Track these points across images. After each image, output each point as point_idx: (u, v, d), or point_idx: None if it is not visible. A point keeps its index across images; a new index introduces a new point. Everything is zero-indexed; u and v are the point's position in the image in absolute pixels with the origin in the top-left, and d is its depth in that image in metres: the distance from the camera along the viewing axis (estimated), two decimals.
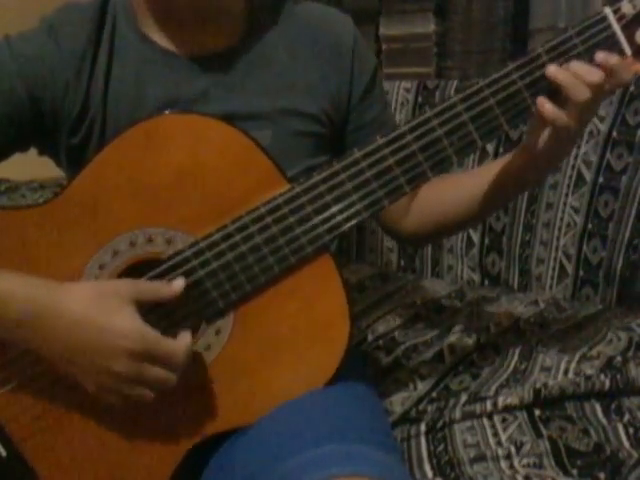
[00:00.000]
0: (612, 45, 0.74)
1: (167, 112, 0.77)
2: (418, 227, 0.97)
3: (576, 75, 0.73)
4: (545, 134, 0.78)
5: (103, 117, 0.84)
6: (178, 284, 0.75)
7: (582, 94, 0.73)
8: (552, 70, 0.74)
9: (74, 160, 0.85)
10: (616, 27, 0.73)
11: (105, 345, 0.71)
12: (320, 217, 0.76)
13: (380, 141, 0.76)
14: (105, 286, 0.75)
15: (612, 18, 0.73)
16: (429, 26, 1.93)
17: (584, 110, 0.75)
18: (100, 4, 0.85)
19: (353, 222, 0.76)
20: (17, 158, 0.87)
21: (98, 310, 0.72)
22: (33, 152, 0.89)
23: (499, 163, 0.88)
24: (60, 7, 0.86)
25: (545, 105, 0.74)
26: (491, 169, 0.89)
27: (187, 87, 0.84)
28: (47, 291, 0.73)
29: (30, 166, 1.06)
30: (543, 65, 0.74)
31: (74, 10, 0.85)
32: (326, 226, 0.76)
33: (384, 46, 2.02)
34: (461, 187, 0.92)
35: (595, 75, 0.73)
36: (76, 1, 0.86)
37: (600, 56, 0.73)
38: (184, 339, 0.74)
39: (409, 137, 0.75)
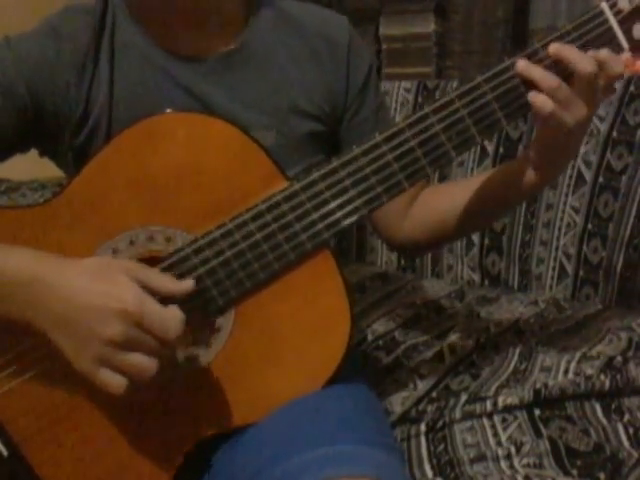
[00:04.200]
0: (609, 40, 0.74)
1: (167, 111, 0.77)
2: (416, 233, 0.96)
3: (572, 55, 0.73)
4: (547, 134, 0.78)
5: (108, 117, 0.83)
6: (188, 284, 0.74)
7: (587, 66, 0.72)
8: (554, 47, 0.73)
9: (80, 160, 0.85)
10: (613, 22, 0.73)
11: (98, 308, 0.68)
12: (319, 214, 0.76)
13: (378, 137, 0.75)
14: (112, 261, 0.74)
15: (609, 13, 0.73)
16: (429, 26, 1.94)
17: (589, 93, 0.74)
18: (101, 5, 0.85)
19: (352, 219, 0.76)
20: (17, 158, 0.87)
21: (96, 277, 0.70)
22: (33, 152, 0.89)
23: (502, 168, 0.88)
24: (62, 9, 0.86)
25: (538, 95, 0.73)
26: (493, 175, 0.88)
27: (189, 88, 0.84)
28: (52, 263, 0.72)
29: (30, 166, 1.06)
30: (541, 60, 0.74)
31: (76, 12, 0.85)
32: (325, 222, 0.76)
33: (384, 46, 2.03)
34: (462, 192, 0.91)
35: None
36: (77, 2, 0.86)
37: (589, 53, 0.73)
38: (176, 310, 0.70)
39: (407, 133, 0.75)
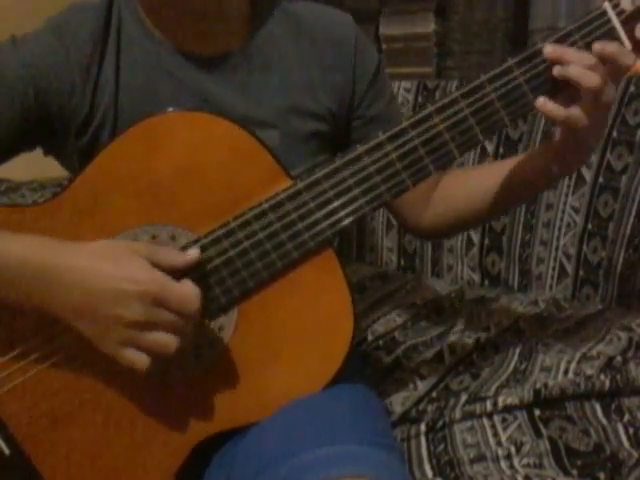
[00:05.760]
0: (612, 40, 0.73)
1: (170, 109, 0.77)
2: (439, 219, 0.97)
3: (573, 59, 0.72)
4: (561, 135, 0.77)
5: (114, 116, 0.84)
6: (193, 253, 0.75)
7: (589, 79, 0.72)
8: (549, 49, 0.73)
9: (85, 160, 0.85)
10: (616, 22, 0.73)
11: (116, 292, 0.69)
12: (322, 212, 0.76)
13: (382, 137, 0.76)
14: (119, 242, 0.75)
15: (611, 13, 0.73)
16: (429, 26, 1.94)
17: (594, 103, 0.73)
18: (106, 4, 0.85)
19: (355, 217, 0.76)
20: (17, 158, 0.87)
21: (108, 260, 0.71)
22: (34, 152, 0.89)
23: (518, 160, 0.88)
24: (66, 8, 0.86)
25: (547, 104, 0.74)
26: (512, 163, 0.89)
27: (195, 87, 0.85)
28: (60, 249, 0.73)
29: (30, 166, 1.06)
30: (544, 61, 0.74)
31: (80, 11, 0.85)
32: (328, 221, 0.76)
33: (384, 46, 2.03)
34: (483, 179, 0.92)
35: (587, 59, 0.72)
36: (82, 2, 0.86)
37: (597, 47, 0.73)
38: (192, 286, 0.72)
39: (411, 132, 0.75)
